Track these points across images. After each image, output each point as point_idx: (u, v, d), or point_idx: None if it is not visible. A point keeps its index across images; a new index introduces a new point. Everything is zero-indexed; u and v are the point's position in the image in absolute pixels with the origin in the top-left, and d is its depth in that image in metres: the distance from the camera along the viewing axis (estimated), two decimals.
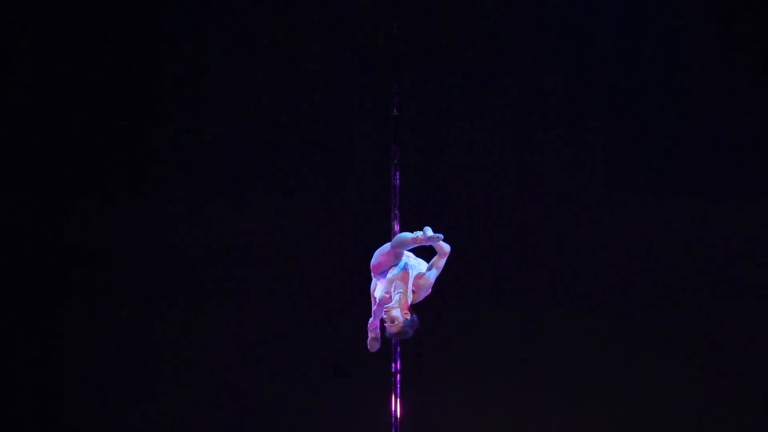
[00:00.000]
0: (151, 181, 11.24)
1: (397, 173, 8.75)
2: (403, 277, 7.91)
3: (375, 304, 7.94)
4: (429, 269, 7.94)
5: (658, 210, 11.15)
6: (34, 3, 11.18)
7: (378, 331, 7.97)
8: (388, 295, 7.84)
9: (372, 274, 8.05)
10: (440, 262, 7.95)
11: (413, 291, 7.86)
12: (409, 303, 7.79)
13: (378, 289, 7.97)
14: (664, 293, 11.11)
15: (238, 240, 11.21)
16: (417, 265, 8.00)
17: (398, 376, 8.76)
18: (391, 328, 7.78)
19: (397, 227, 8.64)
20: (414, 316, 7.80)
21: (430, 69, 11.21)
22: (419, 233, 7.79)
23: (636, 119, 11.20)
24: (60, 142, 11.19)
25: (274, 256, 11.18)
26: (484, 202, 11.17)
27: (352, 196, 11.15)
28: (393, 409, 8.78)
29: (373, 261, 8.04)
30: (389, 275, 7.89)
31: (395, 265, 7.94)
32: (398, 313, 7.75)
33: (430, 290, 7.96)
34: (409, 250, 7.99)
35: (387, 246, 8.01)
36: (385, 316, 7.78)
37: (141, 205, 11.20)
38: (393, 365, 8.70)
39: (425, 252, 7.99)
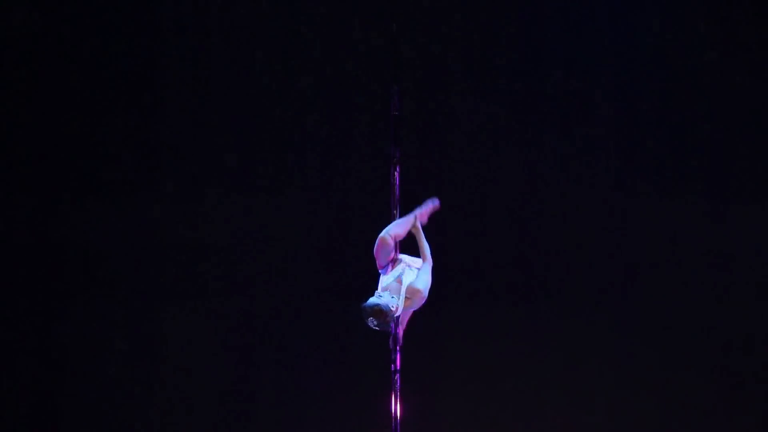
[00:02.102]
0: (151, 181, 11.24)
1: (397, 173, 8.74)
2: (398, 281, 8.04)
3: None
4: (416, 276, 8.09)
5: (659, 210, 11.15)
6: (33, 2, 11.20)
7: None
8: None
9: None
10: (424, 266, 8.11)
11: (407, 297, 7.95)
12: (401, 308, 7.89)
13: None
14: (664, 293, 11.11)
15: (238, 240, 11.21)
16: (411, 273, 8.10)
17: (398, 376, 8.73)
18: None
19: None
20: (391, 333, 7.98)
21: (430, 69, 11.21)
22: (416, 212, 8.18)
23: (636, 120, 11.20)
24: (59, 142, 11.19)
25: (274, 256, 11.19)
26: (484, 202, 11.17)
27: (352, 196, 11.15)
28: (393, 409, 8.75)
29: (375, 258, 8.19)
30: (384, 282, 8.00)
31: (391, 262, 8.01)
32: (390, 306, 7.87)
33: (425, 300, 8.04)
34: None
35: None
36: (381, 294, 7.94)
37: (140, 205, 11.20)
38: (393, 365, 8.68)
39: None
